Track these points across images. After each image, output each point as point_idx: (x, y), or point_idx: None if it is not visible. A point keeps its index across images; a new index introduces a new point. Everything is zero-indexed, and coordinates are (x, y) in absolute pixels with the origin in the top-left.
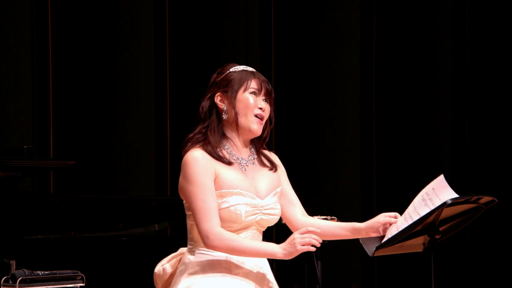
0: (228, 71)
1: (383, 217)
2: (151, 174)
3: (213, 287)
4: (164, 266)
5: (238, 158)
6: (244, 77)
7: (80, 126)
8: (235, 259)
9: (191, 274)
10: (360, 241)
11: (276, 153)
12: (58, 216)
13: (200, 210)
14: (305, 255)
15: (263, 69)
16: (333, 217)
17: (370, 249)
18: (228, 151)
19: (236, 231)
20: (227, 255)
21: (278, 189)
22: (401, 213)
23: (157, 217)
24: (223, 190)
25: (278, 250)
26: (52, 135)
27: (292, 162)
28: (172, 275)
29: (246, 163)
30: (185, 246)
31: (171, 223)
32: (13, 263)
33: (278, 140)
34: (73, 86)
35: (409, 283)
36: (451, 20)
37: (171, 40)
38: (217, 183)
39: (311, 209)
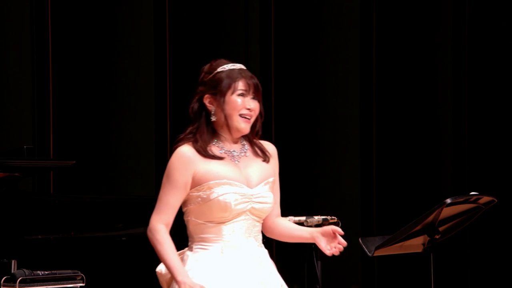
0: (216, 71)
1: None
2: (151, 174)
3: (208, 281)
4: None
5: (229, 151)
6: (231, 78)
7: (80, 126)
8: (229, 254)
9: (188, 270)
10: (360, 241)
11: (275, 145)
12: (58, 216)
13: (159, 201)
14: (305, 255)
15: (263, 69)
16: (333, 217)
17: (370, 249)
18: (219, 146)
19: (229, 220)
20: (222, 249)
21: (270, 179)
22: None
23: None
24: (211, 182)
25: (180, 279)
26: (52, 135)
27: (292, 162)
28: None
29: (238, 155)
30: (187, 246)
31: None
32: (13, 263)
33: (278, 139)
34: (73, 86)
35: (409, 283)
36: (451, 20)
37: (171, 40)
38: (204, 177)
39: (311, 210)
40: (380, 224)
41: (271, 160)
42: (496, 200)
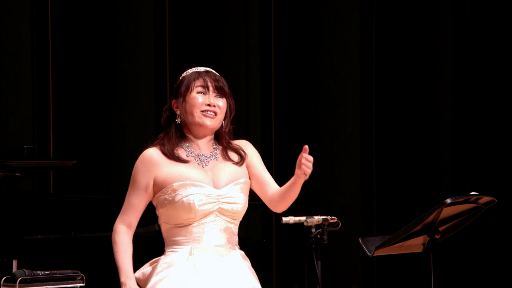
0: (181, 76)
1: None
2: None
3: (174, 283)
4: (143, 271)
5: (198, 155)
6: (190, 79)
7: (80, 126)
8: (198, 255)
9: (158, 272)
10: (360, 241)
11: (249, 139)
12: (58, 216)
13: (124, 202)
14: (305, 255)
15: (263, 69)
16: (333, 217)
17: (370, 249)
18: (188, 149)
19: (197, 221)
20: (191, 251)
21: (241, 180)
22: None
23: (157, 217)
24: (175, 184)
25: (122, 280)
26: (52, 135)
27: (292, 162)
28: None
29: (207, 159)
30: None
31: None
32: (14, 263)
33: (278, 140)
34: (73, 86)
35: (409, 283)
36: (451, 20)
37: (171, 40)
38: (168, 179)
39: (311, 209)
40: (380, 224)
41: (247, 158)
42: (496, 200)
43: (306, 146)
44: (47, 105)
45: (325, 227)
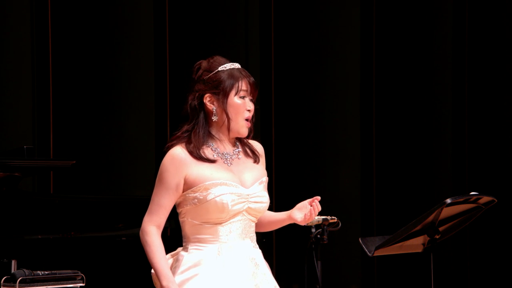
0: (216, 70)
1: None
2: (151, 174)
3: (204, 283)
4: None
5: (223, 153)
6: (234, 78)
7: (80, 126)
8: (226, 255)
9: (183, 271)
10: (360, 241)
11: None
12: (58, 216)
13: (152, 202)
14: (305, 255)
15: (263, 69)
16: (333, 217)
17: (370, 249)
18: (213, 148)
19: (226, 221)
20: (219, 251)
21: (264, 178)
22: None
23: None
24: (207, 183)
25: (165, 284)
26: (52, 135)
27: (292, 162)
28: None
29: (231, 157)
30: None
31: (171, 223)
32: (13, 263)
33: (279, 140)
34: (73, 86)
35: (409, 283)
36: (451, 20)
37: (171, 40)
38: (198, 179)
39: None
40: (380, 224)
41: (260, 159)
42: (496, 200)
43: (318, 197)
44: (47, 105)
45: (325, 227)
